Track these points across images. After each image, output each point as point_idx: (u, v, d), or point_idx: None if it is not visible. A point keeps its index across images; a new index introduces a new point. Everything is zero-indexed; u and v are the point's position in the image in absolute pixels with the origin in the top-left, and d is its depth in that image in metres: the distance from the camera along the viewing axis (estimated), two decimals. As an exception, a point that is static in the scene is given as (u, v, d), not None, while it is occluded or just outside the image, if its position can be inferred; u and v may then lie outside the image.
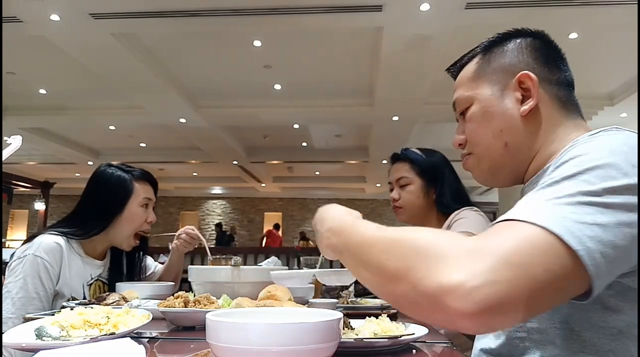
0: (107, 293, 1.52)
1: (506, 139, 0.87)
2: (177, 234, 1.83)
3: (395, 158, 1.86)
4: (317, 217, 0.86)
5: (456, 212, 1.69)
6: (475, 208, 1.70)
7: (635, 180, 0.60)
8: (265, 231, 13.38)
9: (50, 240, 1.46)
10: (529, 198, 0.63)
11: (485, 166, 0.92)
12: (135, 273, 1.76)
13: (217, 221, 15.27)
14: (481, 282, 0.50)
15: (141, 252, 1.77)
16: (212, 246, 11.43)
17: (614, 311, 0.69)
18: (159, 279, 1.86)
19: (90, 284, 1.57)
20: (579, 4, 4.24)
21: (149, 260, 1.89)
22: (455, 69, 0.99)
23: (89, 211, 1.59)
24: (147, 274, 1.85)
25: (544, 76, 0.87)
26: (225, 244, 11.86)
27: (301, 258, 2.05)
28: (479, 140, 0.91)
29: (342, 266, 0.80)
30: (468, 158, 0.95)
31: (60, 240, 1.48)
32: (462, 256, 0.53)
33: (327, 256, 0.83)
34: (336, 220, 0.78)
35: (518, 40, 0.91)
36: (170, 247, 1.85)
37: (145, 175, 1.68)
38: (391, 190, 1.85)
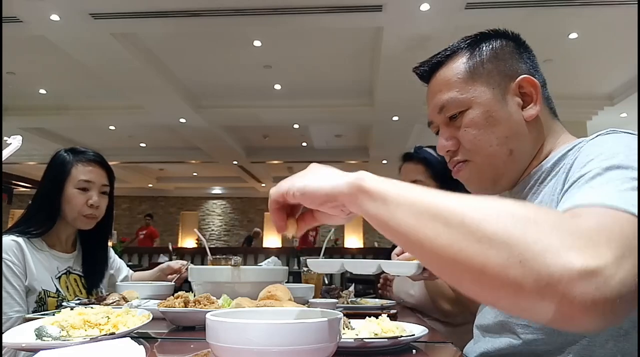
0: (108, 293, 1.53)
1: (512, 145, 0.83)
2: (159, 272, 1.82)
3: (408, 157, 1.75)
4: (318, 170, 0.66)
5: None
6: None
7: None
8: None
9: (7, 240, 1.45)
10: (585, 190, 0.59)
11: (487, 175, 0.87)
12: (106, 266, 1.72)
13: (217, 221, 15.27)
14: (615, 269, 0.43)
15: (106, 238, 1.72)
16: (213, 246, 11.44)
17: None
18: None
19: (59, 277, 1.55)
20: (579, 4, 4.24)
21: (122, 264, 1.86)
22: (427, 67, 0.93)
23: (36, 203, 1.57)
24: (120, 279, 1.80)
25: (538, 80, 0.86)
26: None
27: (301, 258, 2.04)
28: (482, 147, 0.84)
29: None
30: (464, 167, 0.88)
31: (18, 238, 1.47)
32: (585, 237, 0.45)
33: (346, 222, 0.67)
34: (369, 179, 0.57)
35: (503, 42, 0.88)
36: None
37: (86, 156, 1.61)
38: None
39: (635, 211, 0.50)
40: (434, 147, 1.72)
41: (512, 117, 0.83)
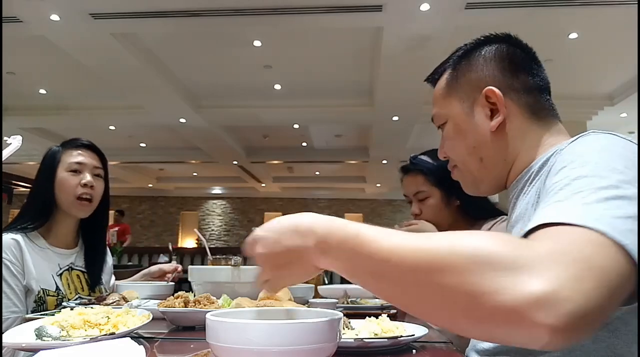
0: (107, 293, 1.52)
1: (480, 154, 0.90)
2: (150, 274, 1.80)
3: (406, 170, 1.73)
4: (280, 227, 0.65)
5: (489, 223, 1.58)
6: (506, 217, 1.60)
7: (635, 173, 0.60)
8: None
9: (6, 238, 1.44)
10: (553, 204, 0.59)
11: (468, 179, 0.95)
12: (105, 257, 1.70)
13: (217, 221, 15.27)
14: (571, 291, 0.44)
15: (104, 228, 1.71)
16: (213, 246, 11.44)
17: None
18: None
19: (60, 274, 1.53)
20: (579, 4, 4.24)
21: (111, 270, 1.82)
22: (432, 79, 1.00)
23: (30, 197, 1.57)
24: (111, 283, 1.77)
25: (510, 86, 0.87)
26: None
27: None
28: (456, 156, 0.94)
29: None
30: (455, 170, 0.97)
31: (17, 236, 1.46)
32: (539, 262, 0.46)
33: (312, 275, 0.68)
34: (328, 229, 0.59)
35: (484, 51, 0.90)
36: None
37: (75, 142, 1.62)
38: (409, 202, 1.72)
39: (599, 226, 0.51)
40: (430, 152, 1.69)
41: (478, 128, 0.89)
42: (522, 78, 0.88)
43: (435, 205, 1.64)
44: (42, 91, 6.70)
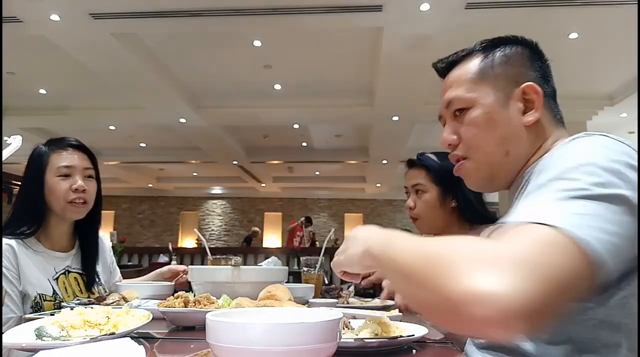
0: (108, 293, 1.52)
1: (508, 147, 0.88)
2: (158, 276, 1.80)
3: (411, 164, 1.78)
4: (351, 236, 0.84)
5: (487, 229, 1.59)
6: None
7: (615, 177, 0.64)
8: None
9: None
10: (526, 203, 0.65)
11: (483, 173, 0.92)
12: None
13: (217, 221, 15.27)
14: (507, 289, 0.48)
15: (96, 227, 1.67)
16: (213, 246, 11.44)
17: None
18: None
19: (57, 278, 1.51)
20: (579, 4, 4.24)
21: (117, 269, 1.81)
22: (444, 64, 0.97)
23: (20, 201, 1.53)
24: (112, 282, 1.75)
25: (542, 88, 0.89)
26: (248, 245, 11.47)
27: (301, 258, 2.05)
28: (480, 146, 0.90)
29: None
30: (464, 163, 0.93)
31: (12, 241, 1.43)
32: (484, 261, 0.52)
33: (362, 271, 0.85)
34: (372, 241, 0.74)
35: (518, 49, 0.92)
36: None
37: (63, 143, 1.55)
38: (407, 195, 1.77)
39: (557, 223, 0.55)
40: (435, 153, 1.75)
41: (511, 121, 0.88)
42: (548, 83, 0.92)
43: (430, 201, 1.68)
44: (42, 91, 6.70)
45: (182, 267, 1.82)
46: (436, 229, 1.69)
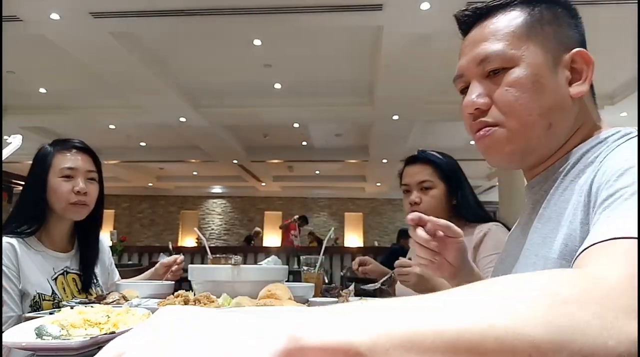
0: (108, 292, 1.52)
1: (552, 119, 0.75)
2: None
3: (413, 160, 1.76)
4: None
5: (483, 226, 1.62)
6: (501, 224, 1.64)
7: None
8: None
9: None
10: (605, 218, 0.55)
11: (517, 146, 0.76)
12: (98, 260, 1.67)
13: (217, 220, 15.27)
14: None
15: (97, 229, 1.67)
16: (213, 245, 11.43)
17: None
18: None
19: (56, 278, 1.51)
20: (579, 3, 4.23)
21: (115, 269, 1.81)
22: (471, 14, 0.82)
23: (23, 200, 1.53)
24: (110, 283, 1.76)
25: None
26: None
27: (301, 257, 2.05)
28: (520, 113, 0.74)
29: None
30: (494, 131, 0.76)
31: (13, 240, 1.44)
32: (614, 295, 0.37)
33: None
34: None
35: (561, 9, 0.80)
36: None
37: (67, 144, 1.56)
38: (406, 192, 1.74)
39: None
40: (438, 153, 1.74)
41: (559, 89, 0.75)
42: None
43: (437, 197, 1.67)
44: (42, 90, 6.70)
45: (173, 258, 1.81)
46: None
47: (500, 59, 0.76)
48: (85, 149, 1.59)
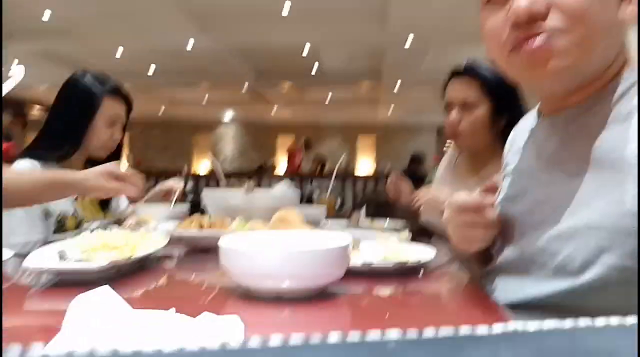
0: (124, 217, 1.57)
1: (610, 34, 0.66)
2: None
3: (458, 73, 1.50)
4: None
5: None
6: None
7: None
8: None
9: (24, 164, 1.44)
10: None
11: (583, 53, 0.64)
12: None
13: (230, 146, 15.37)
14: None
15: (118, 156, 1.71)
16: (226, 171, 11.57)
17: None
18: None
19: (76, 198, 1.53)
20: None
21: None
22: None
23: (56, 127, 1.53)
24: (120, 210, 1.78)
25: None
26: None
27: (313, 182, 2.06)
28: (590, 17, 0.63)
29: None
30: (556, 36, 0.63)
31: (35, 163, 1.46)
32: None
33: None
34: None
35: None
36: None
37: (117, 90, 1.58)
38: (447, 109, 1.50)
39: None
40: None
41: (612, 8, 0.65)
42: None
43: (479, 117, 1.44)
44: (47, 13, 6.51)
45: (169, 185, 1.80)
46: (477, 152, 1.51)
47: None
48: (127, 97, 1.63)
